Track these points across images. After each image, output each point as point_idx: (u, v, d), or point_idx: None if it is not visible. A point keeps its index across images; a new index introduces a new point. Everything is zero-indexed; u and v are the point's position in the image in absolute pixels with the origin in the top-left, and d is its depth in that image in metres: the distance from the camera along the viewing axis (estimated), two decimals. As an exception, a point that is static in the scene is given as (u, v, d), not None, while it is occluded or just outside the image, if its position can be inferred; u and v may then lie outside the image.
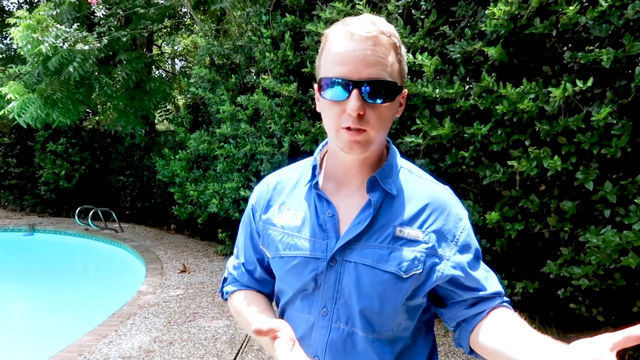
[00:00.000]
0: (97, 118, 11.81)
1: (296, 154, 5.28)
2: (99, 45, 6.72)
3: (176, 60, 17.40)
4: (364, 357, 0.97)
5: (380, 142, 0.98)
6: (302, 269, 1.00)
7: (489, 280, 1.01)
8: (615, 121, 2.83)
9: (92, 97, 8.63)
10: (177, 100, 11.55)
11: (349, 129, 0.89)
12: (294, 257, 1.01)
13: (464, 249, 0.99)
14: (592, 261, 3.00)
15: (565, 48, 3.24)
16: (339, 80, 0.87)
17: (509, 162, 3.21)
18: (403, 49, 0.95)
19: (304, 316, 1.02)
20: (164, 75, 13.84)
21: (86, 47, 6.52)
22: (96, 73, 7.83)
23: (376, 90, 0.87)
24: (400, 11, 3.82)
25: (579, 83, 2.78)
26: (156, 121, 11.02)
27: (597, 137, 2.94)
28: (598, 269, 3.03)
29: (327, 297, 0.98)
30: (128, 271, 6.96)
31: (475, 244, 1.02)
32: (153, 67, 10.55)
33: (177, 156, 7.46)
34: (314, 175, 1.04)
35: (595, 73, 2.93)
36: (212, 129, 6.72)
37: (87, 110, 11.19)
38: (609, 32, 2.83)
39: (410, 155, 4.14)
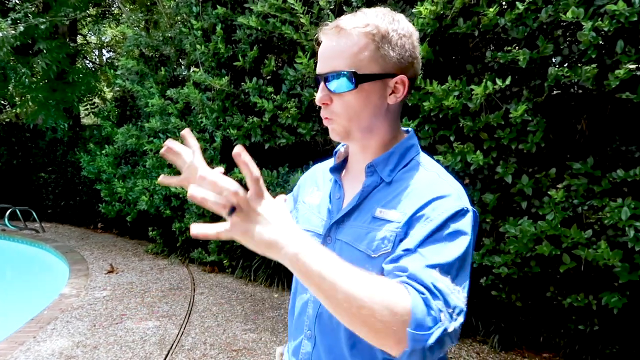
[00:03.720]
0: (14, 111, 11.00)
1: (229, 149, 5.20)
2: (14, 32, 6.26)
3: (104, 51, 16.55)
4: (348, 334, 0.96)
5: (365, 129, 0.99)
6: None
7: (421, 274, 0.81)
8: (531, 118, 3.01)
9: (9, 88, 8.03)
10: (104, 93, 10.99)
11: (326, 118, 0.99)
12: (306, 230, 1.09)
13: (434, 231, 0.86)
14: (510, 250, 3.18)
15: (487, 48, 3.40)
16: (316, 76, 0.99)
17: (436, 157, 3.32)
18: (393, 35, 0.94)
19: (303, 295, 1.09)
20: (91, 66, 13.13)
21: (-1, 34, 6.05)
22: (12, 62, 7.29)
23: (333, 80, 0.94)
24: (332, 7, 3.85)
25: (499, 81, 2.93)
26: (81, 115, 10.43)
27: (515, 133, 3.11)
28: (516, 258, 3.22)
29: None
30: (50, 273, 6.55)
31: (451, 239, 0.85)
32: (77, 57, 9.97)
33: (103, 151, 7.11)
34: (335, 161, 1.13)
35: (513, 72, 3.10)
36: (140, 123, 6.45)
37: (3, 102, 10.41)
38: (525, 33, 2.99)
39: (343, 150, 4.19)
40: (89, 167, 7.56)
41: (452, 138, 3.38)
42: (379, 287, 0.73)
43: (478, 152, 3.16)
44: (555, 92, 3.23)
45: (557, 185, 3.06)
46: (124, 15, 8.69)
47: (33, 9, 7.07)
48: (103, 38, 15.93)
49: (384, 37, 0.94)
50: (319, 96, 0.96)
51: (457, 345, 3.68)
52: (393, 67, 0.96)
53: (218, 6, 4.82)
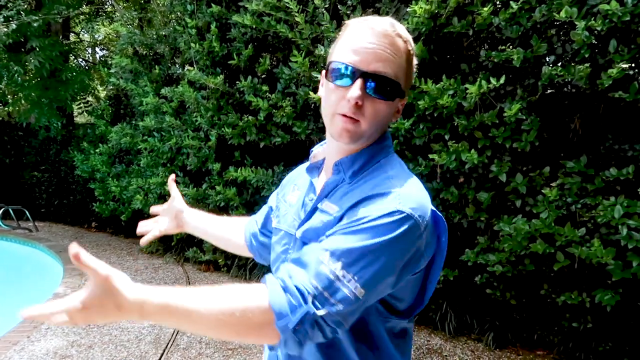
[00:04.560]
0: (7, 109, 10.92)
1: (224, 148, 5.19)
2: (6, 30, 6.21)
3: (97, 49, 16.45)
4: None
5: (370, 137, 0.97)
6: (281, 239, 1.09)
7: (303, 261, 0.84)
8: (525, 117, 3.02)
9: (1, 86, 7.97)
10: (98, 91, 10.93)
11: (344, 115, 0.91)
12: (281, 229, 1.10)
13: (351, 224, 0.85)
14: (505, 248, 3.20)
15: (481, 47, 3.41)
16: (349, 67, 0.90)
17: (430, 156, 3.34)
18: (415, 60, 0.97)
19: None
20: (84, 64, 13.06)
21: (-9, 32, 6.01)
22: (5, 60, 7.24)
23: (379, 85, 0.89)
24: (326, 6, 3.85)
25: (493, 80, 2.95)
26: (75, 113, 10.37)
27: (509, 131, 3.13)
28: (510, 256, 3.23)
29: None
30: (44, 273, 6.51)
31: (362, 232, 0.83)
32: (70, 55, 9.91)
33: (97, 150, 7.07)
34: (309, 162, 1.13)
35: (507, 71, 3.12)
36: (135, 122, 6.43)
37: (-5, 100, 10.34)
38: (519, 33, 3.01)
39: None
40: (83, 166, 7.52)
41: (446, 137, 3.39)
42: (236, 299, 0.79)
43: (472, 150, 3.17)
44: (549, 91, 3.25)
45: (551, 184, 3.08)
46: (117, 13, 8.65)
47: (25, 6, 7.03)
48: (96, 36, 15.83)
49: (413, 57, 0.96)
50: (356, 93, 0.88)
51: (452, 343, 3.70)
52: (406, 89, 0.98)
53: (213, 4, 4.81)
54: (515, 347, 3.64)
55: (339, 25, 3.81)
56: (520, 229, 3.06)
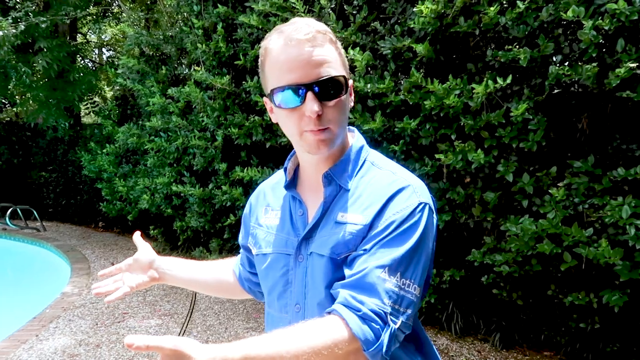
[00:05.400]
0: (15, 110, 11.01)
1: (230, 148, 5.20)
2: (14, 31, 6.26)
3: (104, 49, 16.53)
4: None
5: (342, 136, 0.99)
6: (276, 263, 1.05)
7: (368, 277, 0.87)
8: (531, 117, 3.01)
9: (9, 87, 8.04)
10: (105, 92, 10.98)
11: (312, 130, 0.91)
12: (271, 253, 1.07)
13: (390, 232, 0.90)
14: (511, 248, 3.19)
15: (487, 47, 3.40)
16: (291, 87, 0.90)
17: (437, 156, 3.33)
18: (338, 43, 0.98)
19: (282, 315, 1.05)
20: (90, 65, 13.13)
21: (0, 33, 6.05)
22: (13, 61, 7.29)
23: (327, 88, 0.90)
24: (332, 6, 3.85)
25: (500, 80, 2.94)
26: (82, 113, 10.44)
27: (516, 131, 3.12)
28: (517, 256, 3.22)
29: (298, 293, 1.01)
30: (51, 272, 6.57)
31: (403, 235, 0.90)
32: (78, 56, 9.97)
33: (104, 150, 7.12)
34: (286, 178, 1.08)
35: (514, 71, 3.11)
36: (141, 122, 6.46)
37: (4, 101, 10.42)
38: (526, 32, 3.00)
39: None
40: (90, 166, 7.57)
41: (453, 137, 3.39)
42: (316, 338, 0.81)
43: (479, 150, 3.17)
44: (556, 90, 3.23)
45: (558, 184, 3.06)
46: (124, 14, 8.70)
47: (34, 7, 7.08)
48: (103, 37, 15.92)
49: (337, 42, 0.98)
50: (314, 107, 0.88)
51: (458, 343, 3.69)
52: (347, 70, 0.99)
53: (219, 5, 4.83)
54: (522, 347, 3.63)
55: (345, 26, 3.82)
56: (527, 229, 3.05)
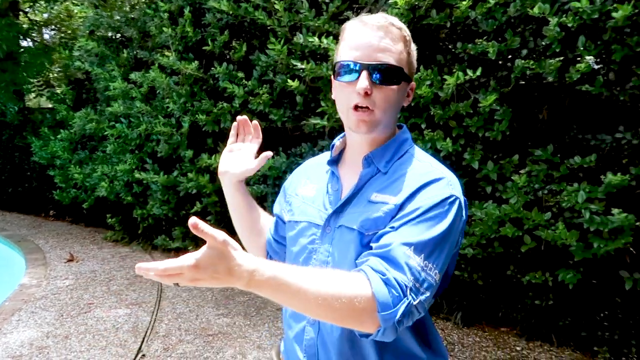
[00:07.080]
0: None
1: (197, 134, 5.14)
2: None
3: (45, 29, 15.58)
4: None
5: (387, 124, 1.07)
6: (305, 231, 1.13)
7: (393, 252, 0.91)
8: (498, 107, 3.19)
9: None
10: (53, 74, 10.42)
11: (356, 108, 1.00)
12: (302, 221, 1.15)
13: (419, 215, 0.95)
14: (476, 232, 3.37)
15: (457, 39, 3.55)
16: (351, 63, 1.00)
17: (407, 144, 3.45)
18: (413, 46, 1.07)
19: None
20: (32, 46, 12.39)
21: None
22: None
23: (383, 73, 0.99)
24: (305, -6, 3.88)
25: (470, 72, 3.09)
26: (30, 97, 9.90)
27: (482, 121, 3.29)
28: (481, 239, 3.41)
29: (321, 261, 1.08)
30: (5, 264, 6.26)
31: (432, 222, 0.94)
32: (20, 37, 9.41)
33: (58, 136, 6.81)
34: (331, 154, 1.17)
35: (482, 63, 3.26)
36: (99, 107, 6.25)
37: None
38: (495, 27, 3.16)
39: (314, 136, 4.25)
40: (41, 152, 7.23)
41: (423, 126, 3.52)
42: (343, 285, 0.86)
43: (447, 139, 3.32)
44: (520, 82, 3.42)
45: (520, 171, 3.25)
46: (76, -7, 8.30)
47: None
48: (44, 15, 14.95)
49: (410, 43, 1.06)
50: (363, 84, 0.97)
51: (423, 323, 3.86)
52: (411, 73, 1.08)
53: (186, -12, 4.74)
54: (481, 324, 3.86)
55: (318, 14, 3.86)
56: (491, 213, 3.23)
